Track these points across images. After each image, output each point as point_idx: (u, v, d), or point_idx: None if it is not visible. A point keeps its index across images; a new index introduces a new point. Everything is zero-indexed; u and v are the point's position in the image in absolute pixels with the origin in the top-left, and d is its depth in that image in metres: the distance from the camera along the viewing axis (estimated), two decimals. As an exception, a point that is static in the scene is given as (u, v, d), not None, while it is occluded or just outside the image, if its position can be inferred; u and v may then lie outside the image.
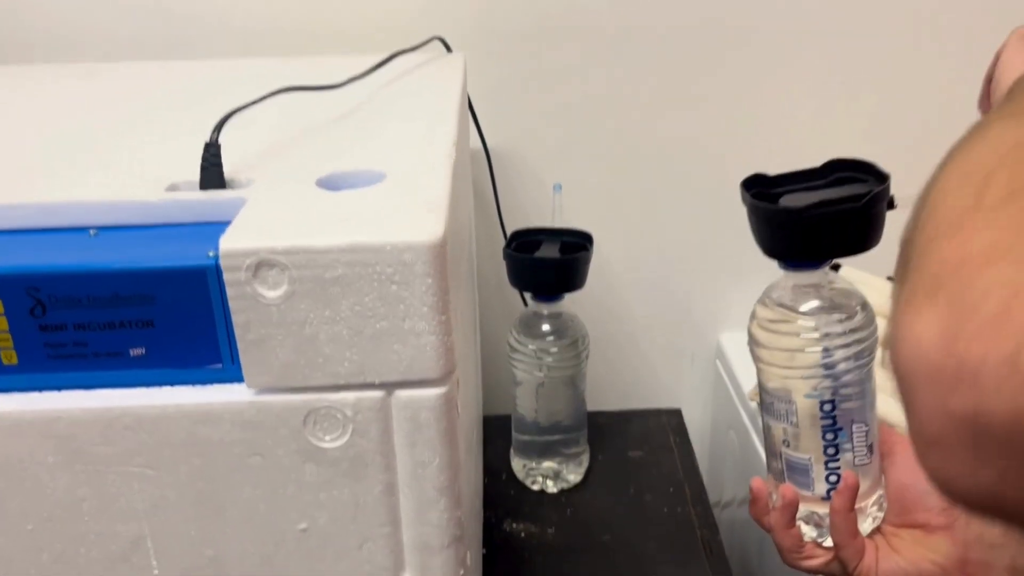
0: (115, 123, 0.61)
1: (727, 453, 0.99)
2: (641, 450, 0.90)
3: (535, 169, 0.96)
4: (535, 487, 0.84)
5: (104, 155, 0.54)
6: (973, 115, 0.44)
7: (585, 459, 0.86)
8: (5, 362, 0.43)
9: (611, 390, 1.05)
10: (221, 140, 0.48)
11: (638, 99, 0.93)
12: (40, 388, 0.44)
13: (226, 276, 0.41)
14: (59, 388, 0.44)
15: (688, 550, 0.76)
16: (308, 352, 0.43)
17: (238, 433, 0.44)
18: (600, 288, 1.02)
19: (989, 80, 0.48)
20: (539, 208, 0.95)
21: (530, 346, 0.78)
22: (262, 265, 0.41)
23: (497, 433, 0.89)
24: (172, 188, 0.48)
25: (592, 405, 1.04)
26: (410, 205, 0.44)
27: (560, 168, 0.95)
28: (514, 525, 0.80)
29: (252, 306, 0.41)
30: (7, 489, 0.44)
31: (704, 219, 0.99)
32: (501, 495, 0.83)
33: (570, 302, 0.96)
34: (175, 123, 0.61)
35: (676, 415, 0.97)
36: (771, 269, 1.00)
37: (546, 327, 0.79)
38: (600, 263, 1.00)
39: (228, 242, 0.41)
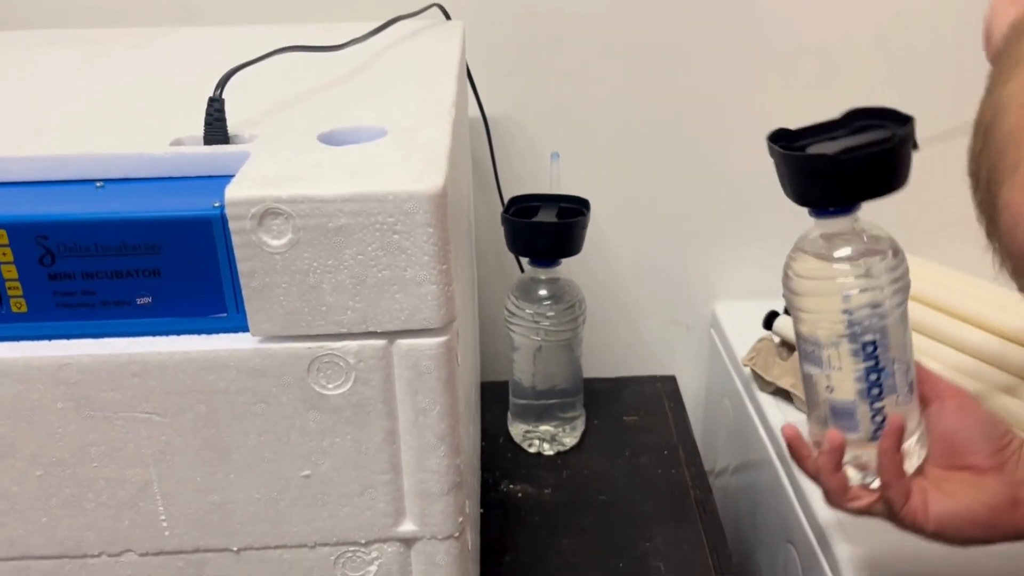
0: (121, 84, 0.62)
1: (721, 421, 1.00)
2: (636, 415, 0.91)
3: (533, 138, 0.96)
4: (532, 450, 0.85)
5: (110, 113, 0.54)
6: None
7: (581, 423, 0.87)
8: (15, 310, 0.44)
9: (607, 357, 1.06)
10: (225, 98, 0.49)
11: (637, 68, 0.94)
12: (49, 336, 0.45)
13: (232, 225, 0.42)
14: (68, 336, 0.45)
15: (682, 510, 0.78)
16: (312, 300, 0.44)
17: (243, 381, 0.45)
18: (596, 257, 1.04)
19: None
20: (537, 177, 0.96)
21: (527, 310, 0.79)
22: (267, 214, 0.42)
23: (495, 399, 0.91)
24: (176, 143, 0.49)
25: (588, 372, 1.05)
26: (411, 158, 0.45)
27: (558, 137, 0.96)
28: (511, 486, 0.81)
29: (257, 254, 0.42)
30: (17, 435, 0.45)
31: (701, 189, 1.00)
32: (499, 457, 0.85)
33: (567, 270, 0.97)
34: (179, 83, 0.61)
35: (671, 381, 0.99)
36: (767, 240, 1.01)
37: (543, 292, 0.80)
38: (596, 232, 1.02)
39: (234, 191, 0.42)
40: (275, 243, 0.42)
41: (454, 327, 0.46)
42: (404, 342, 0.45)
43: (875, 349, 0.55)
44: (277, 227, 0.42)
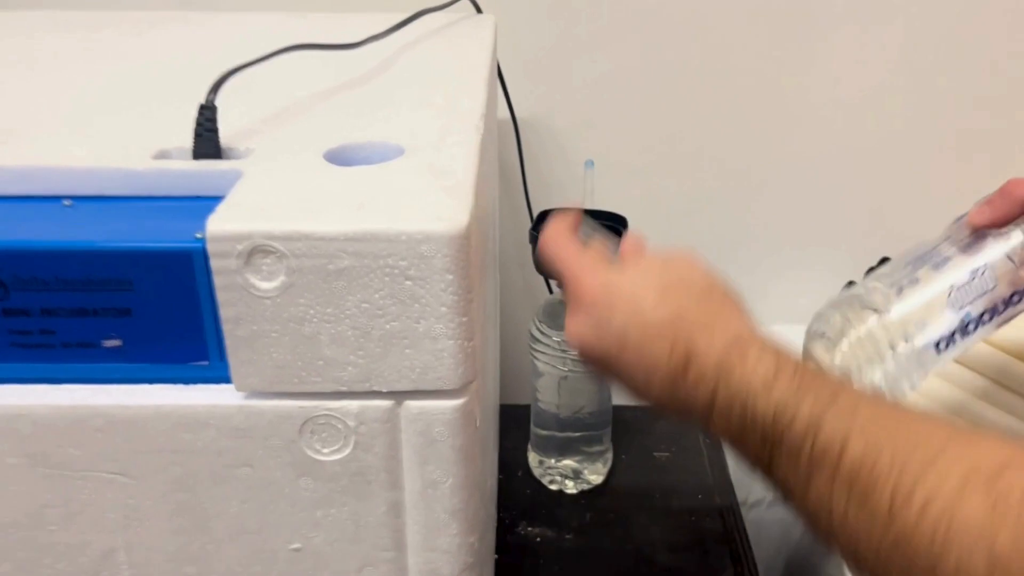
0: (111, 79, 0.55)
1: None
2: (668, 451, 0.84)
3: (567, 144, 0.89)
4: (553, 487, 0.78)
5: (93, 114, 0.48)
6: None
7: (608, 458, 0.80)
8: (-39, 349, 0.38)
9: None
10: (220, 103, 0.42)
11: (680, 71, 0.86)
12: (1, 381, 0.38)
13: (214, 263, 0.35)
14: (22, 381, 0.38)
15: (717, 566, 0.70)
16: (306, 354, 0.37)
17: (225, 441, 0.38)
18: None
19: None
20: (569, 186, 0.89)
21: (554, 338, 0.72)
22: (256, 251, 0.35)
23: (514, 423, 0.83)
24: (161, 155, 0.42)
25: (619, 399, 0.98)
26: (431, 186, 0.38)
27: (593, 144, 0.89)
28: (529, 529, 0.74)
29: (243, 298, 0.36)
30: (-37, 491, 0.39)
31: (748, 205, 0.92)
32: (516, 494, 0.78)
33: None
34: (177, 80, 0.55)
35: (705, 413, 0.91)
36: (819, 262, 0.93)
37: (573, 318, 0.73)
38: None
39: (217, 223, 0.35)
40: (265, 286, 0.35)
41: (474, 387, 0.39)
42: (414, 404, 0.38)
43: None
44: (268, 267, 0.35)
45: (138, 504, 0.40)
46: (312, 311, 0.36)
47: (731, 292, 0.45)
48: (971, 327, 0.53)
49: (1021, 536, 0.29)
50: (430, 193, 0.37)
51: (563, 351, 0.72)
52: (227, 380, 0.38)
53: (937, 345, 0.53)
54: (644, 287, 0.44)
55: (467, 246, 0.35)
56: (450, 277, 0.35)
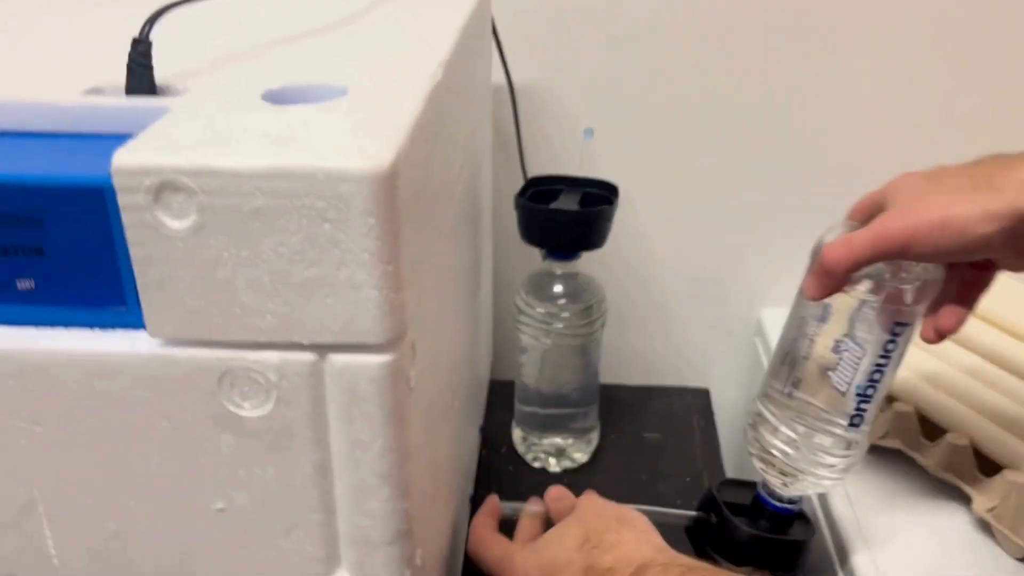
0: (49, 17, 0.53)
1: (757, 441, 0.89)
2: (659, 432, 0.81)
3: (565, 111, 0.86)
4: (536, 464, 0.76)
5: (22, 50, 0.46)
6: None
7: (594, 437, 0.77)
8: None
9: (633, 363, 0.96)
10: (161, 41, 0.40)
11: (688, 37, 0.82)
12: (-90, 320, 0.37)
13: (121, 199, 0.33)
14: (-69, 321, 0.37)
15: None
16: (222, 300, 0.35)
17: (142, 391, 0.36)
18: (629, 250, 0.93)
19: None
20: (567, 155, 0.86)
21: (538, 309, 0.70)
22: (165, 188, 0.33)
23: (503, 401, 0.81)
24: (94, 91, 0.40)
25: (610, 377, 0.95)
26: (363, 126, 0.35)
27: (594, 112, 0.85)
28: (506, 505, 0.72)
29: (154, 238, 0.33)
30: None
31: (753, 181, 0.89)
32: (497, 470, 0.76)
33: (593, 262, 0.87)
34: (113, 19, 0.52)
35: (703, 395, 0.88)
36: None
37: (558, 288, 0.70)
38: (631, 222, 0.91)
39: (125, 156, 0.33)
40: (176, 225, 0.33)
41: (405, 344, 0.37)
42: (338, 359, 0.36)
43: None
44: (178, 205, 0.33)
45: (55, 455, 0.38)
46: (226, 254, 0.34)
47: (633, 518, 0.55)
48: (869, 390, 0.54)
49: None
50: (359, 132, 0.35)
51: (546, 323, 0.70)
52: (144, 327, 0.36)
53: (852, 421, 0.55)
54: (552, 563, 0.52)
55: (391, 188, 0.33)
56: (372, 221, 0.33)
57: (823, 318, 0.54)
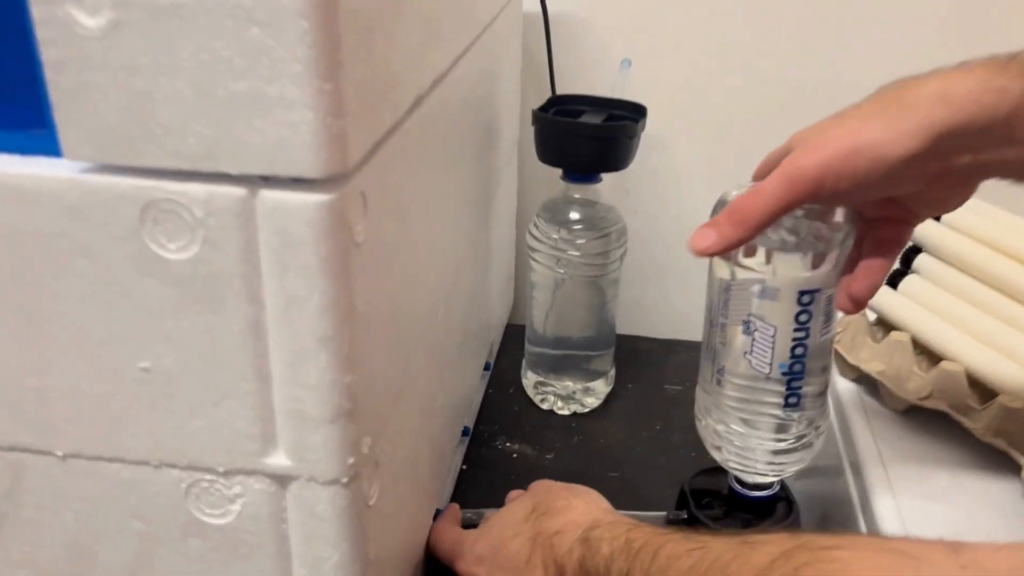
0: None
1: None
2: (681, 385, 0.75)
3: (602, 39, 0.81)
4: (544, 406, 0.71)
5: None
6: None
7: (606, 384, 0.72)
8: None
9: (663, 314, 0.91)
10: None
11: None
12: None
13: (31, -11, 0.29)
14: None
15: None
16: (141, 115, 0.31)
17: (59, 222, 0.33)
18: (666, 197, 0.87)
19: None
20: (600, 84, 0.80)
21: (552, 235, 0.65)
22: (76, -24, 0.29)
23: (519, 344, 0.76)
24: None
25: (635, 329, 0.90)
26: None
27: (633, 41, 0.80)
28: (508, 444, 0.67)
29: (66, 37, 0.30)
30: None
31: (798, 126, 0.82)
32: (503, 410, 0.71)
33: (630, 210, 0.83)
34: None
35: (733, 354, 0.82)
36: None
37: (574, 215, 0.65)
38: (668, 166, 0.86)
39: (34, -61, 0.29)
40: (89, 23, 0.30)
41: (350, 189, 0.32)
42: (270, 195, 0.32)
43: None
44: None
45: (-30, 294, 0.35)
46: (145, 59, 0.30)
47: (584, 490, 0.52)
48: (796, 367, 0.48)
49: None
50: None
51: (560, 251, 0.65)
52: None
53: (788, 402, 0.50)
54: (500, 535, 0.49)
55: (330, -12, 0.28)
56: (305, 24, 0.29)
57: (725, 300, 0.49)
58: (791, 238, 0.46)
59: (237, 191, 0.32)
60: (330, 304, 0.33)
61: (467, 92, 0.54)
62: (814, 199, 0.41)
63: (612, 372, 0.73)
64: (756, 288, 0.47)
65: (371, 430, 0.38)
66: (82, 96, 0.31)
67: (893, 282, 0.74)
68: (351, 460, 0.37)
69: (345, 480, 0.37)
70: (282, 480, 0.37)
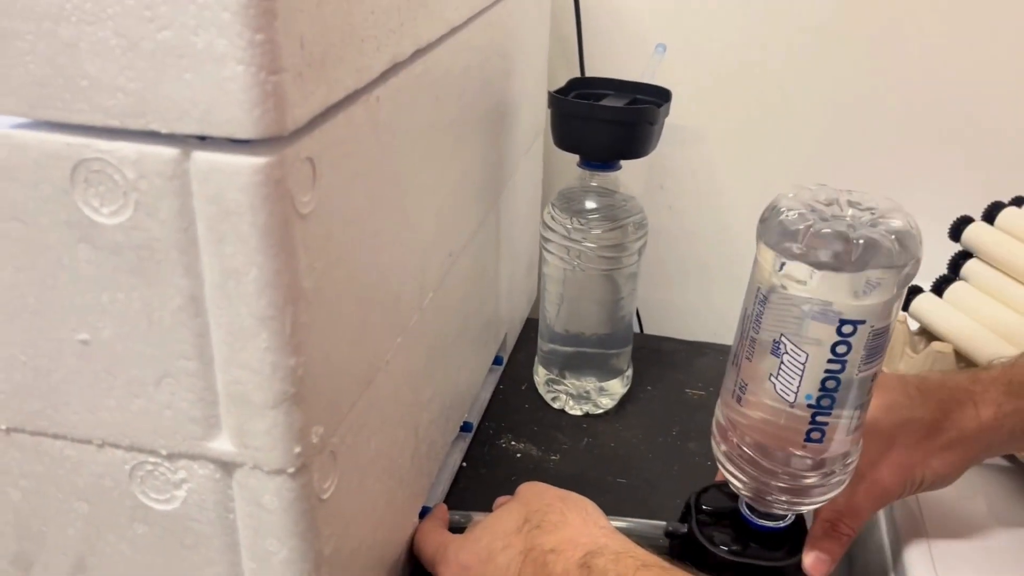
0: None
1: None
2: (704, 390, 0.71)
3: (636, 24, 0.77)
4: (555, 404, 0.68)
5: None
6: None
7: (622, 384, 0.68)
8: None
9: (691, 316, 0.86)
10: None
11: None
12: None
13: (-48, -73, 0.27)
14: None
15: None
16: (67, 68, 0.29)
17: (-9, 183, 0.31)
18: (703, 192, 0.83)
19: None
20: (631, 68, 0.76)
21: (566, 225, 0.61)
22: (-3, -86, 0.27)
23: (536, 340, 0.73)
24: None
25: (660, 329, 0.86)
26: None
27: (669, 26, 0.76)
28: (513, 443, 0.64)
29: (-12, -19, 0.28)
30: None
31: (848, 122, 0.77)
32: (509, 407, 0.68)
33: (664, 206, 0.79)
34: None
35: (765, 360, 0.77)
36: (924, 196, 0.78)
37: (591, 203, 0.62)
38: (702, 160, 0.81)
39: None
40: (11, -35, 0.27)
41: (292, 152, 0.30)
42: (203, 157, 0.29)
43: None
44: (13, -62, 0.27)
45: (-92, 256, 0.33)
46: (68, 4, 0.28)
47: (578, 500, 0.48)
48: (824, 402, 0.43)
49: None
50: None
51: (573, 242, 0.61)
52: None
53: (809, 436, 0.44)
54: (488, 546, 0.46)
55: (259, -76, 0.26)
56: (233, -33, 0.26)
57: (760, 312, 0.43)
58: (842, 255, 0.40)
59: (169, 151, 0.29)
60: (269, 280, 0.31)
61: (470, 68, 0.51)
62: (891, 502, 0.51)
63: (629, 372, 0.69)
64: (795, 308, 0.42)
65: (324, 419, 0.35)
66: (6, 46, 0.29)
67: (939, 289, 0.68)
68: (297, 449, 0.34)
69: (292, 471, 0.34)
70: (227, 467, 0.35)
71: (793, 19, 0.74)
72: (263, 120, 0.28)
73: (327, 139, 0.32)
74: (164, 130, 0.29)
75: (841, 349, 0.41)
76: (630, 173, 0.64)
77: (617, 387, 0.68)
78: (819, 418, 0.43)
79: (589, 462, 0.63)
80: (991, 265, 0.66)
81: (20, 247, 0.32)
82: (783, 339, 0.42)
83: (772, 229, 0.42)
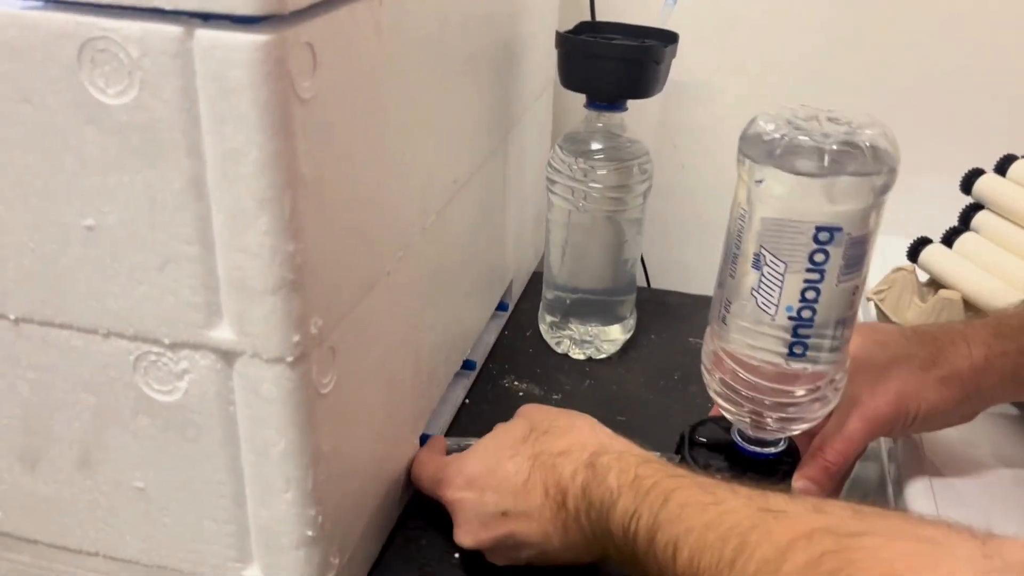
0: None
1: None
2: (708, 340, 0.71)
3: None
4: (559, 349, 0.68)
5: None
6: None
7: (623, 330, 0.69)
8: None
9: (696, 271, 0.87)
10: None
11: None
12: None
13: None
14: None
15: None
16: (75, -57, 0.29)
17: (2, 62, 0.32)
18: (714, 150, 0.83)
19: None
20: (642, 18, 0.77)
21: (572, 165, 0.62)
22: None
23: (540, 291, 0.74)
24: None
25: (667, 283, 0.86)
26: None
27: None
28: (515, 383, 0.65)
29: None
30: None
31: (854, 80, 0.77)
32: (514, 351, 0.69)
33: (677, 164, 0.80)
34: None
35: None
36: (943, 157, 0.77)
37: (596, 144, 0.62)
38: (715, 119, 0.82)
39: None
40: None
41: (291, 36, 0.30)
42: (205, 35, 0.30)
43: None
44: None
45: (-78, 141, 0.34)
46: None
47: (582, 415, 0.48)
48: (805, 313, 0.44)
49: None
50: None
51: (578, 181, 0.62)
52: (9, -11, 0.31)
53: (792, 350, 0.45)
54: (495, 455, 0.46)
55: None
56: None
57: (740, 227, 0.44)
58: (817, 164, 0.41)
59: (172, 29, 0.30)
60: (268, 161, 0.31)
61: (493, 24, 0.51)
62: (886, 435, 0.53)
63: (632, 320, 0.69)
64: (772, 219, 0.43)
65: (322, 311, 0.36)
66: (17, -79, 0.30)
67: (948, 241, 0.68)
68: (296, 338, 0.35)
69: (290, 359, 0.35)
70: (228, 356, 0.36)
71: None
72: (264, -3, 0.29)
73: (328, 28, 0.33)
74: (168, 7, 0.30)
75: (819, 258, 0.42)
76: (642, 131, 0.64)
77: (618, 333, 0.68)
78: (801, 331, 0.43)
79: (591, 402, 0.63)
80: (1002, 216, 0.66)
81: (28, 129, 0.33)
82: (762, 250, 0.43)
83: (749, 141, 0.42)
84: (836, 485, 0.50)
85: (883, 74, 0.77)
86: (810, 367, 0.45)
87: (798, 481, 0.48)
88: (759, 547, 0.33)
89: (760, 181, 0.42)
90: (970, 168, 0.68)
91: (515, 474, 0.44)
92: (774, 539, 0.33)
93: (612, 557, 0.41)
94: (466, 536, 0.46)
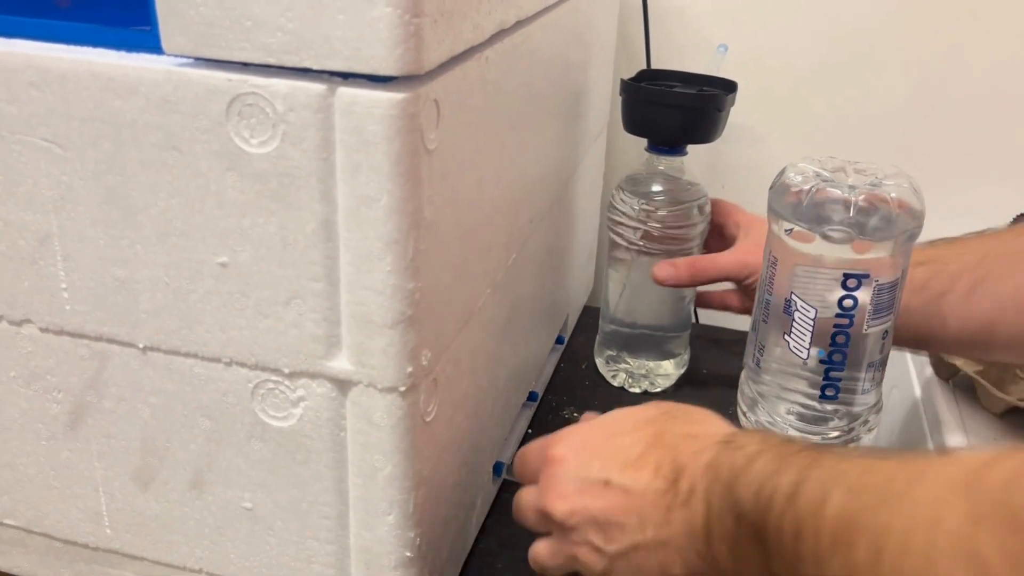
0: None
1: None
2: (758, 375, 0.73)
3: (700, 23, 0.80)
4: (615, 382, 0.71)
5: None
6: None
7: (678, 365, 0.71)
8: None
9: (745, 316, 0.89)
10: None
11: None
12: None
13: None
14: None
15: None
16: (234, 10, 0.33)
17: (153, 114, 0.35)
18: (761, 191, 0.85)
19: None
20: (695, 68, 0.80)
21: (634, 206, 0.64)
22: None
23: (595, 324, 0.76)
24: None
25: (719, 320, 0.88)
26: None
27: (732, 27, 0.79)
28: (575, 414, 0.67)
29: (171, -68, 0.32)
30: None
31: (902, 125, 0.80)
32: (571, 383, 0.71)
33: (739, 194, 0.82)
34: None
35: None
36: (977, 193, 0.79)
37: (657, 187, 0.65)
38: (762, 160, 0.84)
39: None
40: (193, -83, 0.31)
41: (424, 93, 0.33)
42: (347, 92, 0.33)
43: None
44: None
45: (71, 183, 0.37)
46: (240, -47, 0.32)
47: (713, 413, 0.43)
48: (836, 356, 0.45)
49: (1001, 533, 0.25)
50: None
51: (640, 222, 0.64)
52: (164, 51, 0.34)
53: (824, 393, 0.47)
54: (614, 427, 0.42)
55: None
56: (389, -80, 0.30)
57: (771, 274, 0.47)
58: (842, 216, 0.44)
59: (317, 87, 0.33)
60: (397, 207, 0.34)
61: (555, 50, 0.54)
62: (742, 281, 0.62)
63: (686, 356, 0.71)
64: (802, 266, 0.45)
65: (431, 344, 0.39)
66: (182, -11, 0.33)
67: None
68: (409, 369, 0.37)
69: (403, 389, 0.38)
70: (343, 385, 0.38)
71: (854, 19, 0.77)
72: (404, 59, 0.32)
73: (449, 86, 0.36)
74: (315, 66, 0.33)
75: (848, 303, 0.44)
76: (692, 171, 0.67)
77: (672, 368, 0.70)
78: (832, 373, 0.46)
79: (649, 434, 0.65)
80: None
81: (174, 174, 0.36)
82: (793, 297, 0.45)
83: (778, 192, 0.45)
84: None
85: (935, 118, 0.79)
86: (842, 408, 0.47)
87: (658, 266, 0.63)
88: (936, 480, 0.29)
89: (789, 231, 0.45)
90: (1018, 213, 0.70)
91: (630, 446, 0.40)
92: (955, 465, 0.29)
93: (706, 562, 0.36)
94: (559, 501, 0.41)
